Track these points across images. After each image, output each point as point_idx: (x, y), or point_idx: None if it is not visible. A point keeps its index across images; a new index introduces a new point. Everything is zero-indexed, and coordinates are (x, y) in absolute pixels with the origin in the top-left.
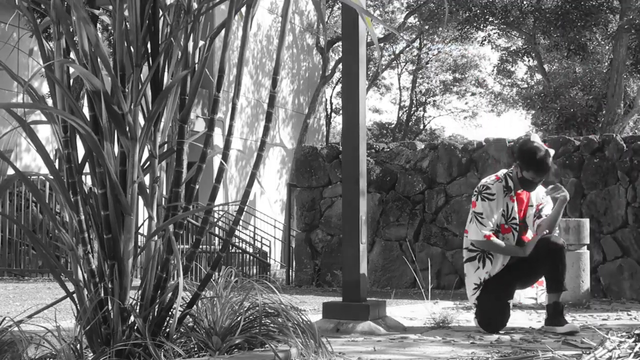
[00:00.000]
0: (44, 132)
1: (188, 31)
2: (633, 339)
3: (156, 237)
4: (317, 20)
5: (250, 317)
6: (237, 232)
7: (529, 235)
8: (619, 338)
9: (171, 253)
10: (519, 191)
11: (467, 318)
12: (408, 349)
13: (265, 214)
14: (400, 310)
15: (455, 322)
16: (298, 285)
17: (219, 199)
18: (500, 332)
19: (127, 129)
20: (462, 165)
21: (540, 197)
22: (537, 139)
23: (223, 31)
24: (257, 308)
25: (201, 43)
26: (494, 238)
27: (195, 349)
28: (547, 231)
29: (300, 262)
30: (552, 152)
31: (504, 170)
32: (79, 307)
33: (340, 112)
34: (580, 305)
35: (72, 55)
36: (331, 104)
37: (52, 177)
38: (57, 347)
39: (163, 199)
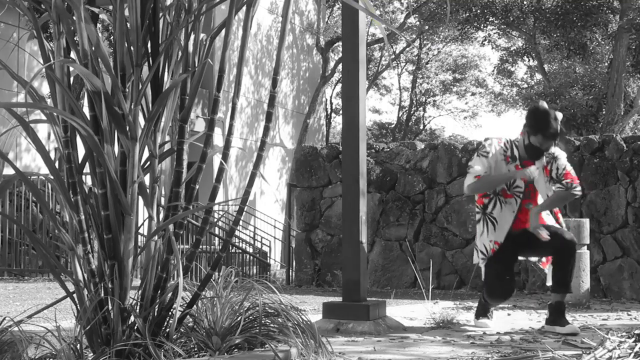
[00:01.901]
0: (44, 131)
1: (188, 31)
2: (633, 339)
3: (156, 237)
4: (317, 20)
5: (250, 317)
6: (237, 232)
7: (540, 200)
8: (619, 338)
9: (171, 253)
10: (527, 160)
11: (467, 318)
12: (408, 349)
13: (265, 214)
14: (400, 310)
15: (455, 322)
16: (298, 285)
17: (219, 199)
18: (500, 332)
19: (128, 129)
20: (462, 165)
21: (545, 158)
22: (545, 105)
23: (223, 31)
24: (257, 308)
25: (202, 35)
26: (482, 177)
27: (195, 349)
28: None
29: (300, 262)
30: (560, 115)
31: (511, 138)
32: (79, 307)
33: (340, 112)
34: (580, 305)
35: (73, 54)
36: (331, 104)
37: (52, 177)
38: (57, 347)
39: (162, 198)
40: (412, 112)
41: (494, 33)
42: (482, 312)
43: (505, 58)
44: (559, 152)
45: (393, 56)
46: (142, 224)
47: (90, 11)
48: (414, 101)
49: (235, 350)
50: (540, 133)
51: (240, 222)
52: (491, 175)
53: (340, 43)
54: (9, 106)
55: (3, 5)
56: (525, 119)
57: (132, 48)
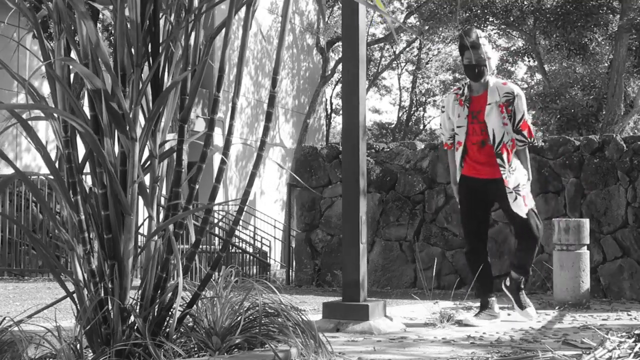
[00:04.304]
0: (44, 131)
1: (189, 30)
2: (633, 339)
3: (156, 237)
4: (317, 19)
5: (250, 317)
6: (237, 232)
7: (496, 135)
8: (619, 338)
9: (171, 253)
10: (476, 95)
11: (467, 318)
12: (408, 349)
13: (265, 214)
14: (400, 310)
15: (455, 322)
16: (298, 285)
17: (219, 199)
18: (500, 333)
19: (127, 128)
20: None
21: (500, 99)
22: (468, 31)
23: (223, 30)
24: (257, 308)
25: (202, 36)
26: (450, 150)
27: (195, 349)
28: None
29: (300, 262)
30: (475, 34)
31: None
32: (79, 307)
33: (340, 112)
34: (580, 305)
35: (73, 54)
36: (331, 104)
37: (52, 177)
38: (57, 347)
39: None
40: (412, 112)
41: (494, 33)
42: (481, 307)
43: (505, 58)
44: (519, 91)
45: (393, 56)
46: (142, 224)
47: (91, 10)
48: (414, 101)
49: (235, 350)
50: (460, 50)
51: (240, 222)
52: (450, 163)
53: (340, 43)
54: (10, 107)
55: (3, 5)
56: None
57: (132, 48)
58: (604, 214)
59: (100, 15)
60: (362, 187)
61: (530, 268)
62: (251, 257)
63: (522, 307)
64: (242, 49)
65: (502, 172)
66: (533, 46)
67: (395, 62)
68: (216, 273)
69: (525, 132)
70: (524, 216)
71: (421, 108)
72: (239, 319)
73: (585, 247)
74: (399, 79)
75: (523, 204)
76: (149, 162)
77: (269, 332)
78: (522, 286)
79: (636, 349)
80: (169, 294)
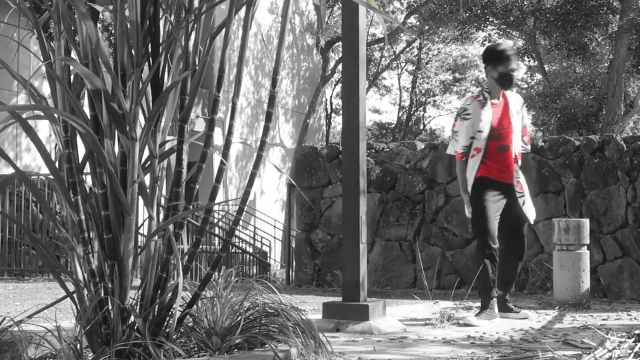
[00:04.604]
0: (45, 131)
1: (189, 30)
2: (633, 339)
3: (156, 237)
4: (317, 20)
5: (250, 317)
6: (237, 232)
7: (515, 141)
8: (619, 338)
9: (171, 253)
10: (495, 102)
11: (467, 318)
12: (408, 349)
13: (265, 214)
14: (400, 310)
15: (455, 322)
16: (298, 285)
17: (219, 199)
18: (500, 333)
19: (128, 129)
20: None
21: (519, 107)
22: (498, 43)
23: (223, 30)
24: (257, 308)
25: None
26: (461, 160)
27: (195, 349)
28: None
29: (300, 262)
30: (509, 42)
31: (480, 89)
32: (79, 307)
33: (340, 112)
34: (580, 305)
35: (73, 54)
36: (331, 104)
37: (52, 176)
38: (57, 347)
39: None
40: (412, 112)
41: (494, 33)
42: (481, 307)
43: None
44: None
45: (393, 56)
46: (142, 224)
47: (91, 10)
48: (414, 101)
49: (235, 350)
50: (501, 59)
51: (240, 222)
52: (460, 172)
53: (340, 43)
54: (12, 109)
55: (3, 5)
56: (486, 59)
57: (132, 48)
58: (604, 214)
59: (100, 16)
60: (362, 187)
61: (514, 282)
62: (251, 257)
63: (513, 313)
64: (242, 49)
65: (516, 176)
66: (533, 46)
67: (395, 62)
68: (216, 273)
69: (526, 138)
70: (532, 222)
71: (421, 108)
72: (239, 319)
73: (585, 247)
74: (399, 79)
75: (534, 211)
76: (149, 162)
77: (269, 332)
78: (507, 297)
79: (636, 349)
80: (169, 294)
